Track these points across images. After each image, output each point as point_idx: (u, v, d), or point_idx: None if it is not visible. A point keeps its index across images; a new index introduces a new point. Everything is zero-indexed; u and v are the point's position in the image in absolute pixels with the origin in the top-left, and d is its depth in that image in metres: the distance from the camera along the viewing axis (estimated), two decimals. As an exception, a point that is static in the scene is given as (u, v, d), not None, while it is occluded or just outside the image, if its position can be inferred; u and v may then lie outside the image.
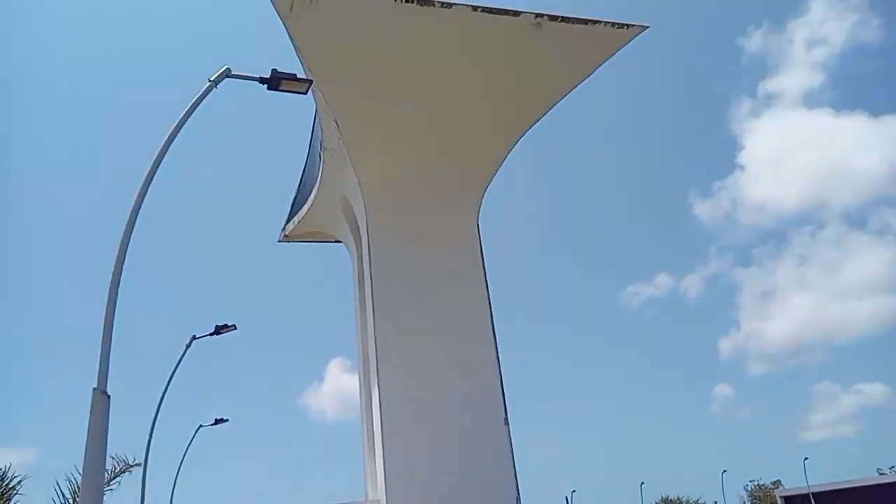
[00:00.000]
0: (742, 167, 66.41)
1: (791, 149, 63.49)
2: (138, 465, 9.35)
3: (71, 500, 7.02)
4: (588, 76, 22.81)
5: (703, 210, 65.07)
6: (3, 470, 6.84)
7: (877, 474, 31.43)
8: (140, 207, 6.68)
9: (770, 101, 66.99)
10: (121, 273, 6.51)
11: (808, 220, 62.46)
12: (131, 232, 6.57)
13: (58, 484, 6.93)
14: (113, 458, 8.19)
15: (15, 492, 6.92)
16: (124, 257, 6.52)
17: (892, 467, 34.61)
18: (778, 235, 64.69)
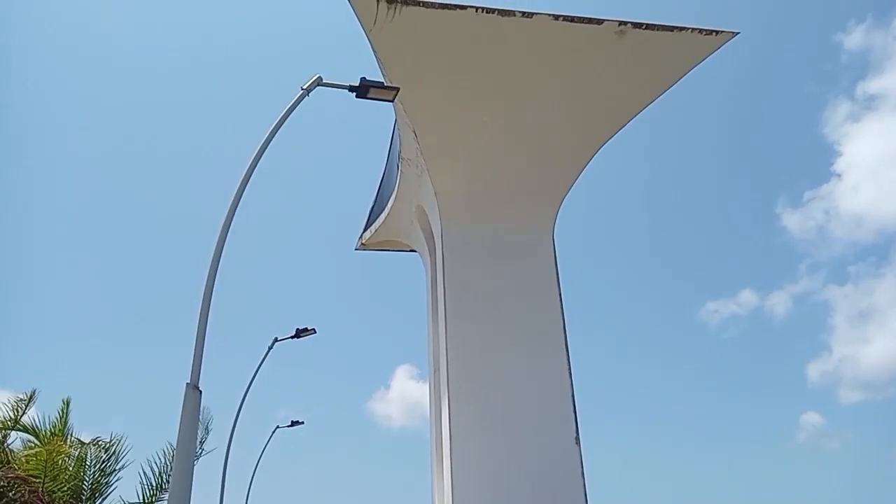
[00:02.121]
0: (839, 175, 62.16)
1: (894, 156, 58.78)
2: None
3: (157, 485, 7.29)
4: (673, 84, 22.14)
5: (793, 222, 61.23)
6: (110, 443, 7.18)
7: None
8: (235, 213, 6.89)
9: (872, 103, 62.20)
10: (215, 276, 6.68)
11: None
12: (226, 236, 6.77)
13: (142, 470, 7.20)
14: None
15: (117, 471, 7.26)
16: (218, 262, 6.70)
17: None
18: (878, 251, 60.09)
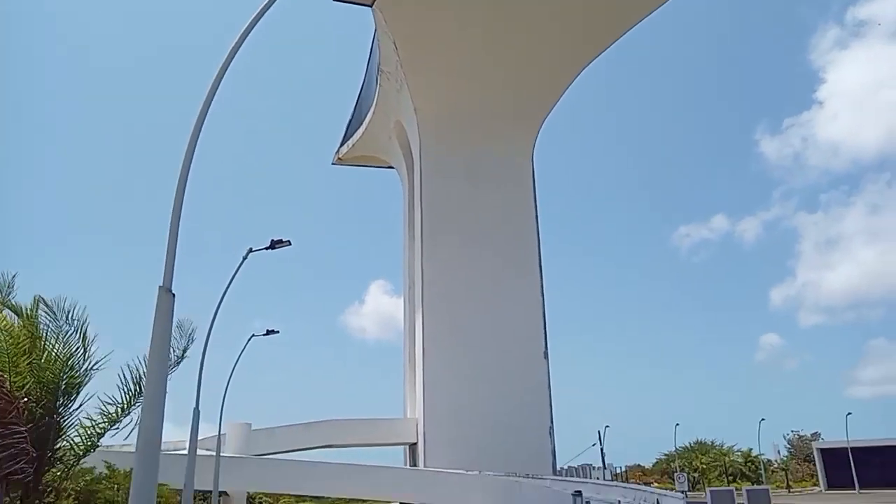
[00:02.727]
0: (820, 103, 61.47)
1: (878, 85, 58.13)
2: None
3: (135, 389, 7.50)
4: (659, 6, 21.55)
5: (771, 148, 61.15)
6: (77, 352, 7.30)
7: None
8: (206, 117, 6.75)
9: (861, 29, 60.80)
10: (186, 179, 6.63)
11: (888, 164, 57.82)
12: (196, 143, 6.69)
13: (122, 372, 7.39)
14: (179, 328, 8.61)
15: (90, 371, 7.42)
16: (189, 168, 6.64)
17: (940, 431, 33.82)
18: (851, 180, 60.59)
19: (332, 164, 30.91)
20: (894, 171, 59.52)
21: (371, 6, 9.34)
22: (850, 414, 29.56)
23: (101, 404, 7.49)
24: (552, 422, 23.46)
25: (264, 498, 23.70)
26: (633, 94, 64.22)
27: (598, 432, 28.79)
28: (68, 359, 7.16)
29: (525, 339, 23.55)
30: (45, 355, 7.09)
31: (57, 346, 7.06)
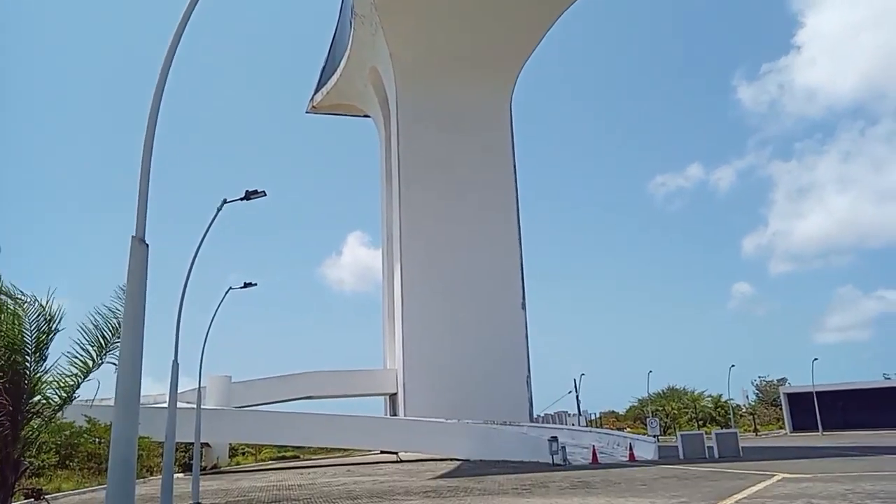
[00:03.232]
0: (798, 48, 60.82)
1: (857, 28, 57.57)
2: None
3: (102, 343, 7.24)
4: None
5: (748, 95, 60.78)
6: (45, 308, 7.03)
7: (882, 379, 32.07)
8: (171, 63, 6.38)
9: None
10: (155, 125, 6.31)
11: (862, 112, 57.83)
12: (162, 90, 6.33)
13: (95, 326, 7.13)
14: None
15: (55, 328, 7.18)
16: (157, 115, 6.32)
17: (899, 373, 35.43)
18: (826, 128, 60.82)
19: (307, 112, 30.08)
20: (868, 118, 59.91)
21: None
22: (816, 360, 30.55)
23: (72, 358, 7.28)
24: (529, 371, 23.87)
25: (247, 449, 23.90)
26: (613, 41, 63.22)
27: (574, 380, 29.39)
28: (36, 316, 6.90)
29: (503, 289, 23.67)
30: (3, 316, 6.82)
31: (15, 306, 6.78)
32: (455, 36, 23.03)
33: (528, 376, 23.80)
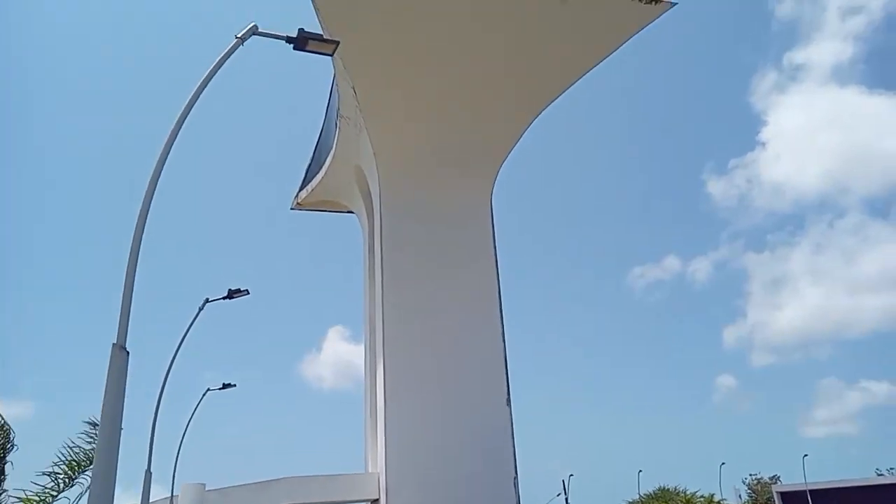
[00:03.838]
0: (763, 144, 64.49)
1: (816, 128, 61.46)
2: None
3: (75, 466, 6.88)
4: (613, 52, 22.32)
5: (718, 189, 63.57)
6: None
7: (875, 475, 31.45)
8: (163, 166, 6.46)
9: (797, 73, 64.57)
10: (142, 232, 6.29)
11: (828, 205, 60.66)
12: (153, 192, 6.35)
13: (67, 447, 6.78)
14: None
15: (11, 445, 6.81)
16: (146, 218, 6.31)
17: (892, 469, 34.69)
18: (795, 221, 63.44)
19: (291, 209, 30.51)
20: (835, 211, 62.48)
21: (332, 55, 9.26)
22: (806, 455, 30.03)
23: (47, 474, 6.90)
24: (516, 471, 22.97)
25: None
26: (586, 139, 66.20)
27: (563, 481, 28.40)
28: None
29: (487, 386, 23.21)
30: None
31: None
32: (436, 136, 23.85)
33: (516, 477, 22.87)
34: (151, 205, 7.04)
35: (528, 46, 21.75)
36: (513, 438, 23.53)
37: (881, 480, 29.80)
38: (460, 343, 23.18)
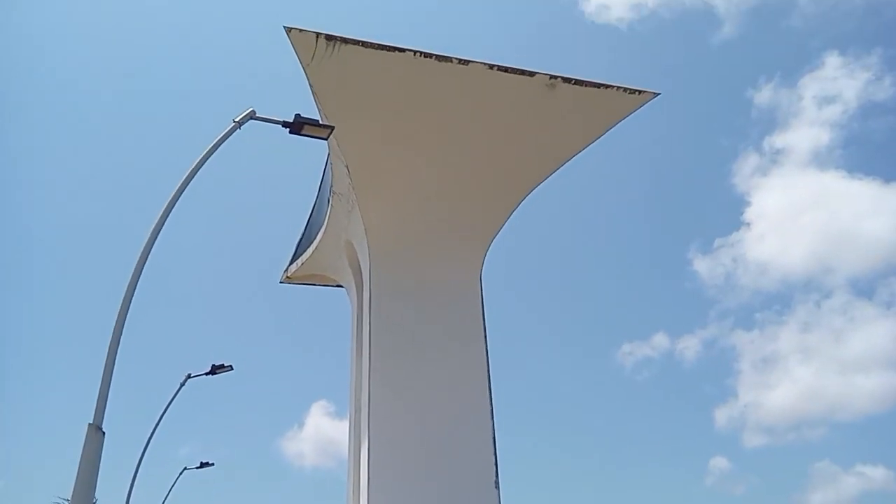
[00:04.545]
0: (748, 224, 66.20)
1: (798, 209, 63.39)
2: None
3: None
4: (598, 138, 23.20)
5: (704, 267, 64.86)
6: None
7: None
8: (154, 243, 6.60)
9: (778, 157, 67.45)
10: (128, 310, 6.38)
11: (814, 285, 61.81)
12: (142, 268, 6.46)
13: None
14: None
15: None
16: (133, 293, 6.41)
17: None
18: (782, 300, 64.28)
19: (280, 282, 30.62)
20: (822, 291, 63.12)
21: (326, 139, 9.64)
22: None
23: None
24: (505, 558, 22.06)
25: None
26: (576, 219, 67.50)
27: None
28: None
29: (475, 468, 22.61)
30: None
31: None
32: (426, 215, 24.33)
33: (504, 564, 21.96)
34: (137, 285, 7.14)
35: (517, 133, 22.63)
36: (501, 523, 22.70)
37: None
38: (448, 423, 22.74)
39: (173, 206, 7.15)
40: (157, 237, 6.79)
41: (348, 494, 24.90)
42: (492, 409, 23.84)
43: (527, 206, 26.25)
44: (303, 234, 29.95)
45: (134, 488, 9.44)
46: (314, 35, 18.65)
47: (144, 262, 6.50)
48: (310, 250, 28.33)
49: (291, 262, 29.90)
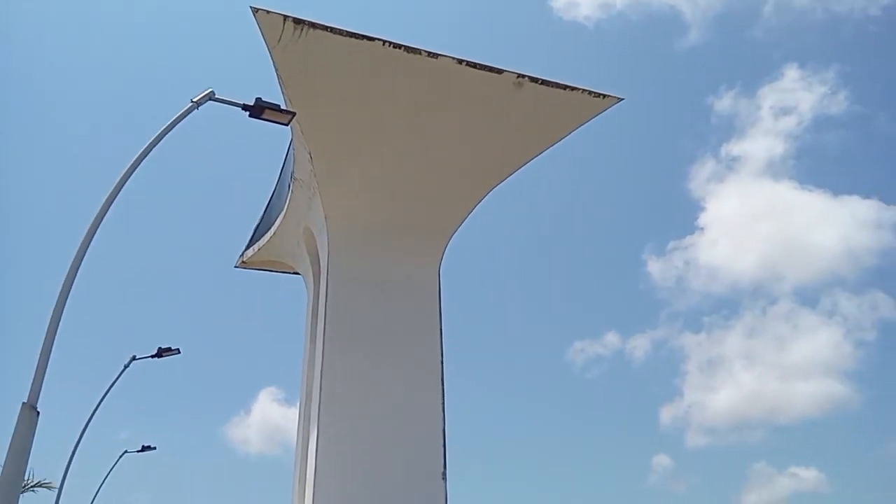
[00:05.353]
0: (702, 229, 68.30)
1: (751, 217, 65.75)
2: (51, 487, 8.71)
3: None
4: (563, 138, 23.51)
5: (657, 269, 66.72)
6: None
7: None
8: (101, 222, 6.45)
9: (734, 164, 69.80)
10: (70, 288, 6.25)
11: (762, 292, 64.27)
12: (86, 248, 6.33)
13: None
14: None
15: None
16: (77, 269, 6.29)
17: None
18: (730, 305, 66.62)
19: (235, 267, 30.11)
20: (768, 298, 65.43)
21: (287, 125, 9.55)
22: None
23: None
24: (448, 549, 22.29)
25: None
26: (535, 217, 68.28)
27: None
28: None
29: (424, 460, 22.76)
30: None
31: None
32: (388, 207, 24.28)
33: (447, 556, 22.19)
34: (83, 262, 6.96)
35: (481, 129, 22.73)
36: (446, 515, 22.91)
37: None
38: (399, 414, 22.80)
39: (122, 185, 7.02)
40: (104, 216, 6.67)
41: (294, 482, 24.76)
42: (443, 403, 23.99)
43: (487, 203, 26.48)
44: (261, 220, 29.52)
45: (71, 470, 9.22)
46: (281, 17, 18.38)
47: (90, 241, 6.38)
48: (267, 236, 27.95)
49: (248, 247, 29.45)
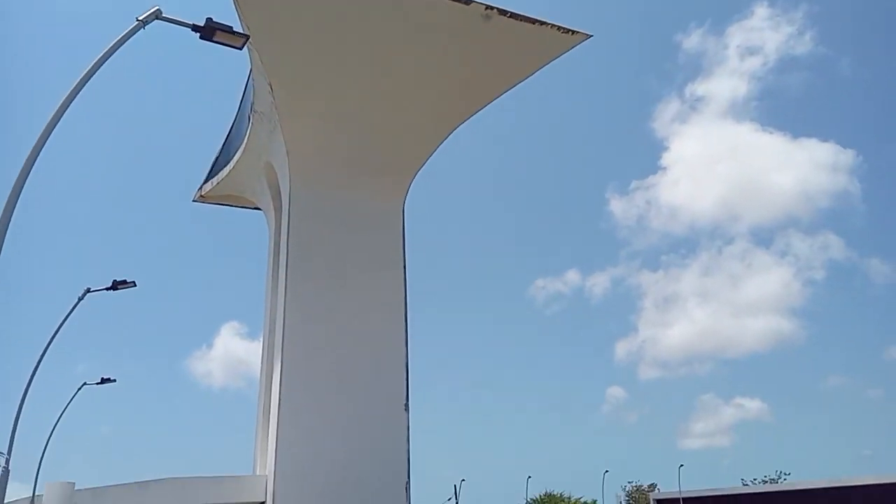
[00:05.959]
0: (664, 169, 69.28)
1: (712, 158, 66.93)
2: None
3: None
4: (530, 75, 23.14)
5: (619, 208, 67.75)
6: None
7: (741, 485, 34.21)
8: (42, 148, 6.19)
9: (698, 105, 70.13)
10: (13, 211, 6.06)
11: (719, 231, 66.07)
12: (28, 171, 6.10)
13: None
14: None
15: None
16: (19, 193, 6.08)
17: (755, 479, 37.96)
18: (688, 244, 68.54)
19: (193, 200, 29.39)
20: (724, 238, 67.36)
21: (240, 49, 9.15)
22: (682, 466, 32.10)
23: None
24: (409, 477, 23.10)
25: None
26: (500, 155, 68.01)
27: (454, 486, 28.84)
28: None
29: (387, 392, 23.26)
30: None
31: None
32: (351, 141, 23.78)
33: (408, 482, 23.01)
34: (26, 182, 6.70)
35: (449, 63, 22.19)
36: (408, 444, 23.61)
37: (746, 490, 32.48)
38: (362, 347, 23.09)
39: (64, 110, 6.74)
40: (45, 142, 6.43)
41: (259, 414, 25.11)
42: (406, 336, 24.35)
43: (452, 140, 26.16)
44: (220, 153, 28.65)
45: (29, 404, 9.18)
46: (238, -64, 17.34)
47: (30, 169, 6.18)
48: (226, 170, 27.22)
49: (206, 181, 28.68)
